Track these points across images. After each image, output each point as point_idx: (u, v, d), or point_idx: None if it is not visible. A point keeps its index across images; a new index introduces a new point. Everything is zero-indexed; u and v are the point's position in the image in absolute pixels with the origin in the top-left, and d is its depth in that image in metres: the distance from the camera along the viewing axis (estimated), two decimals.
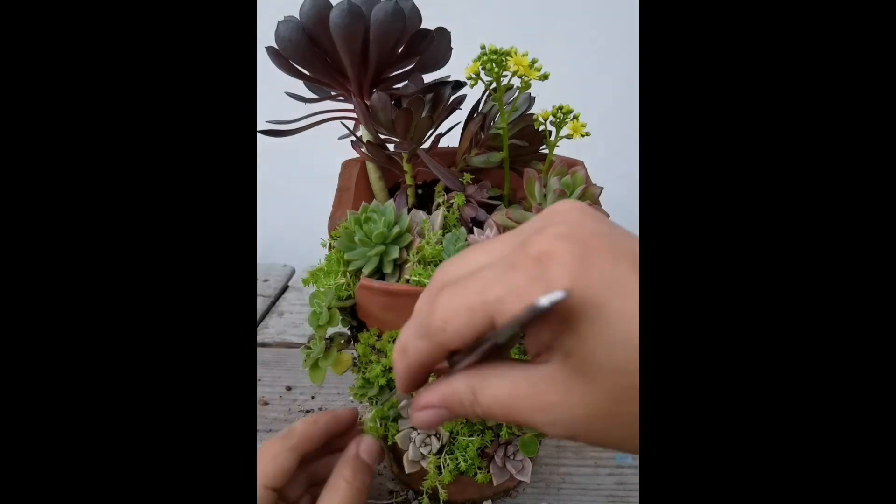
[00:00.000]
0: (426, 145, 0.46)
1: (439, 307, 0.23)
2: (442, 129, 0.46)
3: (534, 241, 0.22)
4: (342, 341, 0.45)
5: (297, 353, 0.69)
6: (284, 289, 0.83)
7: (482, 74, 0.41)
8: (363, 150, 0.46)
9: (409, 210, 0.46)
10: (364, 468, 0.40)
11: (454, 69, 0.45)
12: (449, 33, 0.44)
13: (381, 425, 0.47)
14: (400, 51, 0.44)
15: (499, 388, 0.24)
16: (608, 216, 0.42)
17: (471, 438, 0.45)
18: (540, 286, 0.21)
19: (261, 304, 0.78)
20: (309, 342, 0.44)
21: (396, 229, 0.41)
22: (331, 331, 0.44)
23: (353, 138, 0.46)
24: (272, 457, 0.38)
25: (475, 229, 0.45)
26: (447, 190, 0.48)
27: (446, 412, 0.25)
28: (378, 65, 0.43)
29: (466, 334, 0.23)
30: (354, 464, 0.40)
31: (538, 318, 0.22)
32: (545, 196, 0.42)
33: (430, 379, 0.27)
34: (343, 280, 0.43)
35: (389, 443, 0.47)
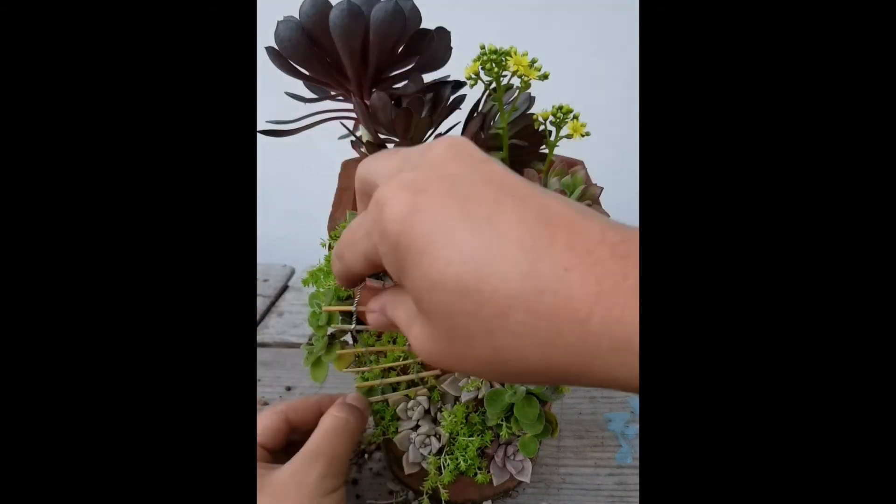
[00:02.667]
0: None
1: (341, 239, 0.28)
2: (442, 129, 0.46)
3: (386, 185, 0.25)
4: (343, 339, 0.45)
5: (297, 353, 0.69)
6: (284, 289, 0.83)
7: (482, 74, 0.41)
8: (363, 149, 0.46)
9: None
10: (352, 409, 0.40)
11: (454, 69, 0.45)
12: (449, 33, 0.44)
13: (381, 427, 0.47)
14: (400, 51, 0.44)
15: (398, 312, 0.27)
16: (608, 216, 0.42)
17: (471, 439, 0.45)
18: (377, 229, 0.24)
19: (261, 304, 0.78)
20: (311, 339, 0.44)
21: None
22: (333, 329, 0.44)
23: (353, 138, 0.46)
24: (260, 417, 0.42)
25: None
26: None
27: (384, 318, 0.29)
28: (378, 65, 0.43)
29: (355, 266, 0.28)
30: (341, 404, 0.41)
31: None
32: None
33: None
34: None
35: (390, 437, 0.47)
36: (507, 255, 0.21)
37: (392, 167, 0.27)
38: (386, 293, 0.29)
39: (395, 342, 0.43)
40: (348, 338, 0.45)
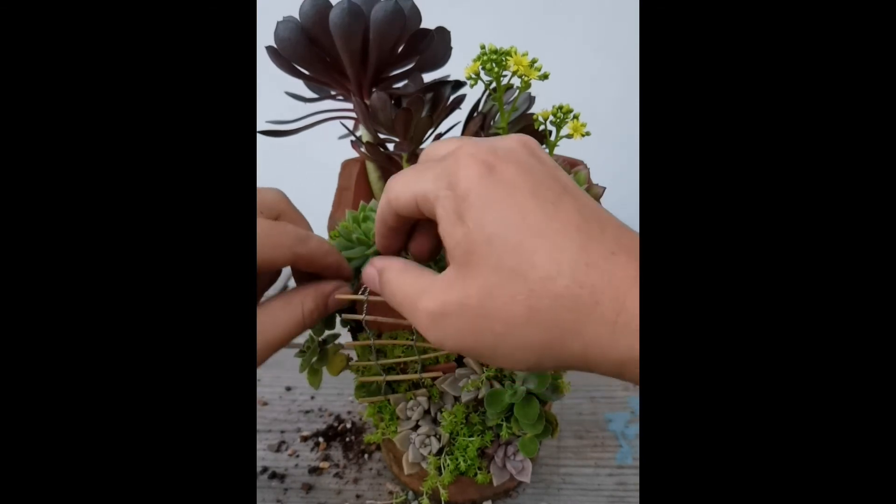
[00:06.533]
0: (426, 145, 0.46)
1: (393, 184, 0.30)
2: (442, 128, 0.46)
3: (469, 145, 0.27)
4: (335, 342, 0.45)
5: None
6: (284, 289, 0.83)
7: (482, 74, 0.41)
8: (363, 149, 0.46)
9: None
10: (321, 308, 0.38)
11: (454, 69, 0.45)
12: (449, 33, 0.44)
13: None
14: (400, 50, 0.44)
15: (404, 279, 0.30)
16: None
17: (471, 439, 0.45)
18: (449, 179, 0.26)
19: None
20: (304, 346, 0.44)
21: None
22: (325, 334, 0.44)
23: (353, 138, 0.46)
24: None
25: None
26: None
27: (377, 276, 0.32)
28: (378, 64, 0.43)
29: (405, 210, 0.29)
30: (317, 297, 0.38)
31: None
32: None
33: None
34: None
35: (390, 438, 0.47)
36: (566, 232, 0.25)
37: (466, 139, 0.29)
38: (393, 260, 0.31)
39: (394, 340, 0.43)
40: (341, 341, 0.45)
